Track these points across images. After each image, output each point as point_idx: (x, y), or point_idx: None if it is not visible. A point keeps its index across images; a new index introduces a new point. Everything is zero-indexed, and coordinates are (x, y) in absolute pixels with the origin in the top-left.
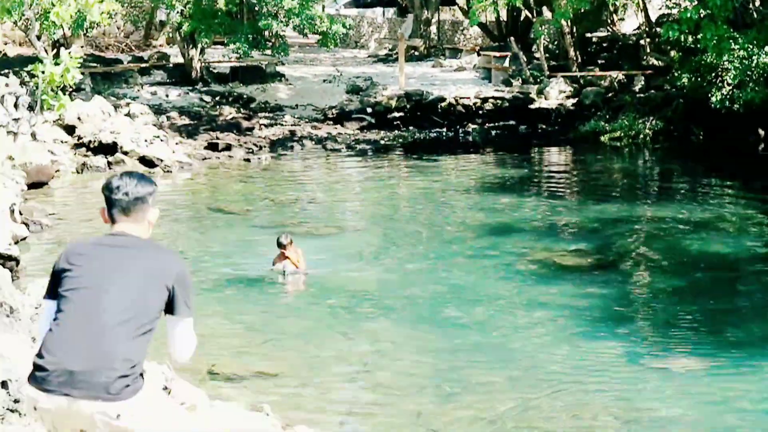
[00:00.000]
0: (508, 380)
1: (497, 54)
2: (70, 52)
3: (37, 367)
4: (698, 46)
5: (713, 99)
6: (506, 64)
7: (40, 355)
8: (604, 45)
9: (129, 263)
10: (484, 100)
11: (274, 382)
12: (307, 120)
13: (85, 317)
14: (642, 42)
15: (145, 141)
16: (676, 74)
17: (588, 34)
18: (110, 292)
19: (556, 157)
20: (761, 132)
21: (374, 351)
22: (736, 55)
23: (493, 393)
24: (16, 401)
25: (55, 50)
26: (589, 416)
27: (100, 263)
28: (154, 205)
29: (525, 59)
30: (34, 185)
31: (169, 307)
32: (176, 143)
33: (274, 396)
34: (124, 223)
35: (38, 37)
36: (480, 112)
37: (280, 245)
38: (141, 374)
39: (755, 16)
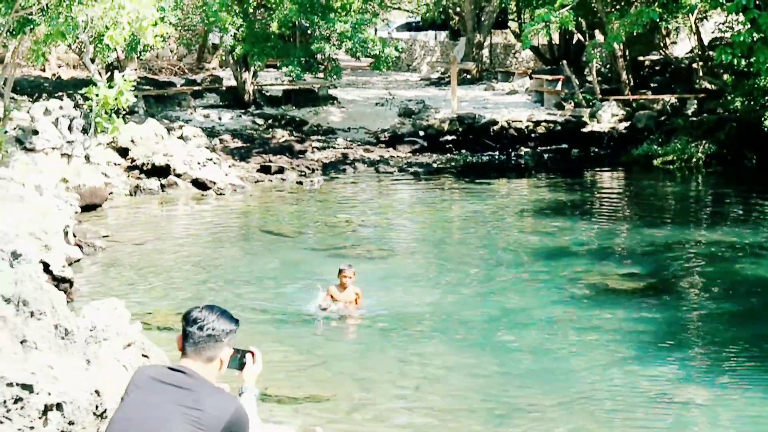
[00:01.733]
0: (560, 405)
1: (549, 77)
2: (123, 75)
3: None
4: (751, 69)
5: (766, 122)
6: (558, 87)
7: None
8: (657, 68)
9: (176, 407)
10: (537, 123)
11: (327, 405)
12: (359, 143)
13: None
14: (695, 65)
15: (198, 164)
16: (729, 98)
17: (640, 58)
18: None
19: (609, 181)
20: None
21: (426, 374)
22: None
23: (545, 418)
24: (70, 423)
25: (108, 73)
26: None
27: (147, 399)
28: (230, 345)
29: (577, 82)
30: (87, 207)
31: None
32: (229, 166)
33: (327, 419)
34: (191, 359)
35: (92, 60)
36: (532, 135)
37: (341, 272)
38: None
39: None
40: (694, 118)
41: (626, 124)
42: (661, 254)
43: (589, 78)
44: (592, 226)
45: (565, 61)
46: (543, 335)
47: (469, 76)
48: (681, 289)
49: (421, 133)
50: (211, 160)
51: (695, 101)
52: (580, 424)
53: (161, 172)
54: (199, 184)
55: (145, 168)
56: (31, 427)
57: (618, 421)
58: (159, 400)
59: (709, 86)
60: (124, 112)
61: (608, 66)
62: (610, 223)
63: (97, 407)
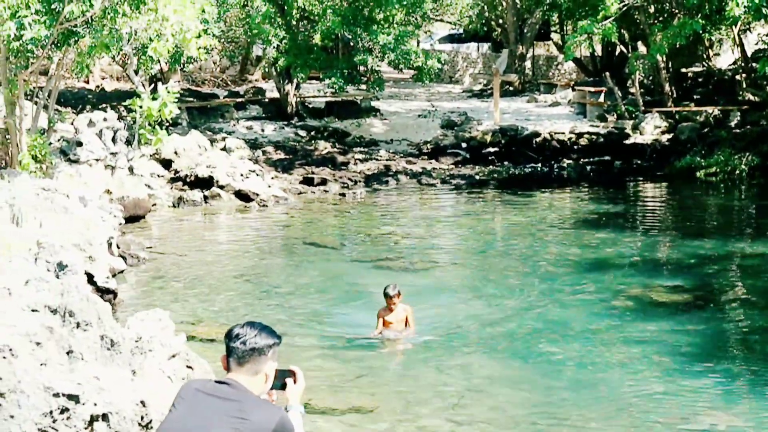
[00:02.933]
0: (603, 418)
1: (592, 89)
2: (167, 87)
3: None
4: None
5: None
6: (601, 99)
7: None
8: (700, 80)
9: (221, 417)
10: (579, 135)
11: (370, 417)
12: (401, 155)
13: None
14: (738, 77)
15: (241, 175)
16: None
17: (683, 69)
18: None
19: (652, 193)
20: None
21: (469, 386)
22: None
23: (587, 430)
24: None
25: (152, 85)
26: None
27: (192, 410)
28: (274, 359)
29: (620, 94)
30: (131, 219)
31: None
32: (272, 177)
33: (371, 431)
34: (236, 374)
35: (136, 72)
36: (575, 147)
37: (387, 296)
38: None
39: None
40: (738, 130)
41: (669, 135)
42: (704, 267)
43: (632, 90)
44: (634, 239)
45: (607, 73)
46: (585, 348)
47: (511, 88)
48: (725, 303)
49: (464, 144)
50: (254, 171)
51: (738, 113)
52: None
53: (204, 183)
54: (242, 196)
55: (188, 179)
56: None
57: None
58: (205, 412)
59: (752, 98)
60: (167, 124)
61: (651, 78)
62: (653, 235)
63: (142, 418)
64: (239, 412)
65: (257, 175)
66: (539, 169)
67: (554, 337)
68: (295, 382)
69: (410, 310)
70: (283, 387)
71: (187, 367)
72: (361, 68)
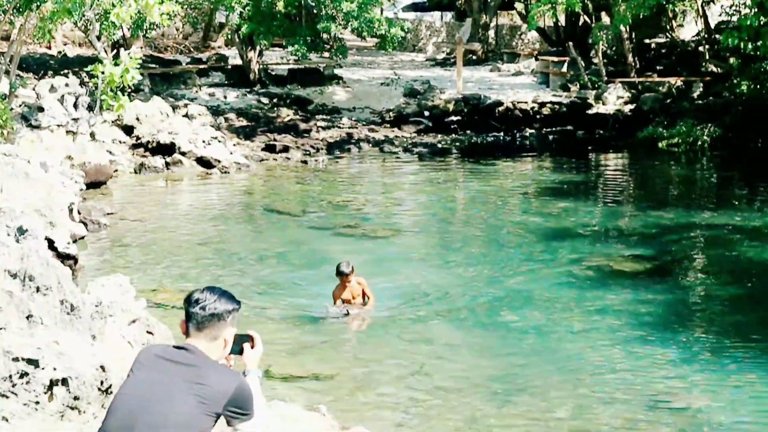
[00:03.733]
0: (563, 384)
1: (555, 59)
2: (129, 53)
3: None
4: (758, 53)
5: None
6: (564, 69)
7: None
8: (663, 51)
9: (180, 382)
10: (542, 104)
11: (330, 384)
12: (364, 123)
13: (122, 426)
14: (701, 48)
15: (203, 142)
16: (735, 81)
17: (647, 40)
18: (149, 407)
19: (614, 163)
20: None
21: (430, 354)
22: None
23: (549, 397)
24: (76, 398)
25: (114, 51)
26: (644, 423)
27: (152, 375)
28: (233, 324)
29: (583, 64)
30: (92, 185)
31: (227, 422)
32: (234, 144)
33: (330, 397)
34: (195, 339)
35: (98, 38)
36: (537, 116)
37: (340, 274)
38: None
39: None
40: (700, 102)
41: (632, 106)
42: (665, 237)
43: (595, 60)
44: (596, 208)
45: (571, 43)
46: (547, 316)
47: (474, 57)
48: (685, 272)
49: (426, 113)
50: (216, 138)
51: (701, 84)
52: (583, 404)
53: (166, 150)
54: (204, 163)
55: (150, 146)
56: (37, 402)
57: (620, 401)
58: (163, 377)
59: (715, 69)
60: (129, 90)
61: (614, 48)
62: (615, 205)
63: (102, 383)
64: (197, 377)
65: (219, 141)
66: (502, 138)
67: (515, 305)
68: (252, 347)
69: (365, 283)
70: (241, 352)
71: (148, 332)
72: (325, 36)
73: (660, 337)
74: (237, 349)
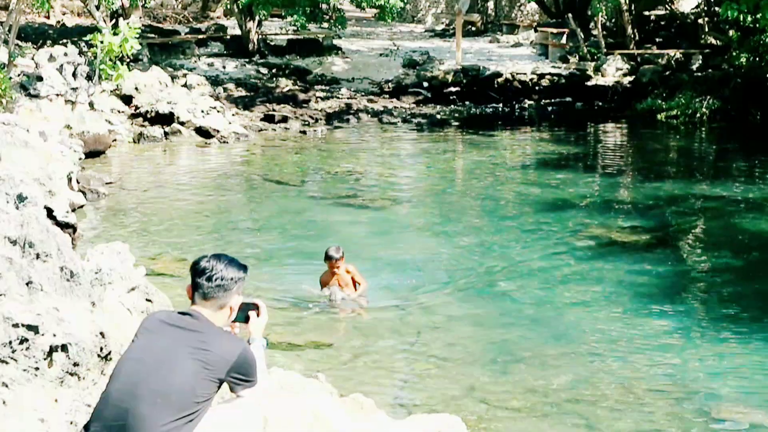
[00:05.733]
0: (561, 354)
1: (554, 30)
2: (128, 23)
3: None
4: (757, 25)
5: None
6: (563, 40)
7: (90, 419)
8: (662, 23)
9: (183, 348)
10: (541, 76)
11: (328, 352)
12: (363, 93)
13: (125, 390)
14: (700, 21)
15: (202, 112)
16: (734, 54)
17: (646, 12)
18: (153, 372)
19: (612, 135)
20: None
21: (427, 323)
22: None
23: (546, 367)
24: (75, 364)
25: (113, 21)
26: (641, 391)
27: (156, 341)
28: (239, 292)
29: (582, 36)
30: (91, 154)
31: (230, 388)
32: (233, 114)
33: (328, 365)
34: (201, 307)
35: (97, 7)
36: (536, 88)
37: (329, 259)
38: None
39: None
40: (699, 74)
41: (631, 78)
42: (663, 208)
43: (594, 32)
44: (594, 179)
45: (570, 15)
46: (545, 286)
47: (473, 28)
48: (683, 243)
49: (425, 84)
50: (214, 108)
51: (700, 57)
52: (580, 374)
53: (165, 119)
54: (203, 132)
55: (148, 115)
56: (36, 368)
57: (617, 372)
58: (167, 342)
59: (714, 42)
60: (128, 60)
61: (613, 20)
62: (613, 176)
63: (101, 349)
64: (201, 343)
65: (218, 111)
66: (500, 109)
67: (513, 275)
68: (258, 315)
69: (354, 270)
70: (247, 320)
71: (147, 300)
72: (324, 6)
73: (658, 308)
74: (242, 317)
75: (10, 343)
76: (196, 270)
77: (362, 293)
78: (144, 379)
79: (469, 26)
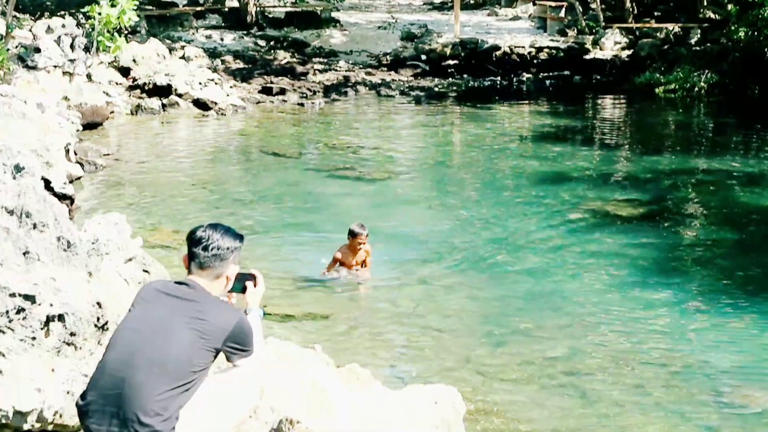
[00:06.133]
0: (558, 327)
1: (553, 4)
2: None
3: (82, 402)
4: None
5: None
6: (562, 14)
7: (87, 388)
8: None
9: (180, 317)
10: (539, 49)
11: (325, 324)
12: (361, 66)
13: (122, 360)
14: None
15: (200, 84)
16: (732, 28)
17: None
18: (149, 342)
19: (610, 108)
20: None
21: (425, 295)
22: None
23: (542, 339)
24: (72, 334)
25: None
26: (637, 363)
27: (152, 310)
28: (236, 262)
29: (581, 9)
30: (88, 126)
31: (227, 357)
32: (230, 86)
33: (325, 336)
34: (197, 276)
35: None
36: (534, 61)
37: (354, 235)
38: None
39: None
40: (698, 48)
41: (629, 52)
42: (661, 182)
43: (593, 5)
44: (592, 153)
45: None
46: (542, 259)
47: (472, 1)
48: (680, 217)
49: (423, 57)
50: (212, 80)
51: (699, 30)
52: (576, 346)
53: (163, 91)
54: (201, 105)
55: (146, 87)
56: (33, 338)
57: (614, 343)
58: (164, 312)
59: (713, 16)
60: (126, 32)
61: None
62: (611, 149)
63: (98, 319)
64: (198, 312)
65: (216, 83)
66: (499, 82)
67: (510, 248)
68: (255, 285)
69: (370, 251)
70: (244, 290)
71: (144, 270)
72: None
73: (655, 281)
74: (239, 288)
75: (7, 312)
76: (193, 239)
77: (368, 273)
78: (140, 348)
79: None
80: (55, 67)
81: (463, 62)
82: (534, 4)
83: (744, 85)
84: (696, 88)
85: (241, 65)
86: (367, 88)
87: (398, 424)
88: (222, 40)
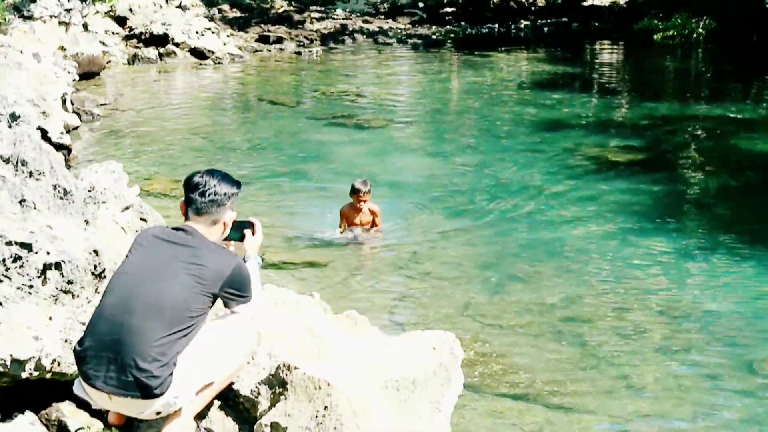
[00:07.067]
0: (556, 274)
1: None
2: None
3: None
4: None
5: None
6: None
7: (84, 334)
8: None
9: (177, 263)
10: None
11: (324, 271)
12: (358, 14)
13: (119, 305)
14: None
15: (197, 33)
16: None
17: None
18: (147, 287)
19: (608, 55)
20: None
21: (423, 242)
22: None
23: (541, 286)
24: (69, 282)
25: None
26: (635, 308)
27: (151, 255)
28: (233, 208)
29: None
30: (85, 75)
31: (225, 304)
32: (227, 35)
33: (323, 284)
34: (194, 222)
35: None
36: (532, 8)
37: (355, 192)
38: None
39: None
40: None
41: None
42: (659, 128)
43: None
44: (591, 100)
45: None
46: (540, 206)
47: None
48: (679, 163)
49: (421, 4)
50: (209, 29)
51: None
52: (575, 294)
53: (159, 41)
54: (198, 54)
55: (143, 37)
56: (30, 286)
57: (612, 290)
58: (161, 257)
59: None
60: None
61: None
62: (609, 96)
63: (95, 267)
64: (195, 257)
65: (213, 32)
66: (496, 29)
67: (509, 195)
68: (253, 233)
69: (378, 210)
70: (242, 238)
71: (141, 219)
72: None
73: (653, 227)
74: (237, 236)
75: (4, 261)
76: (190, 185)
77: (379, 233)
78: (138, 293)
79: None
80: (51, 17)
81: (460, 9)
82: None
83: (742, 31)
84: (694, 35)
85: (238, 14)
86: (365, 36)
87: (396, 370)
88: None
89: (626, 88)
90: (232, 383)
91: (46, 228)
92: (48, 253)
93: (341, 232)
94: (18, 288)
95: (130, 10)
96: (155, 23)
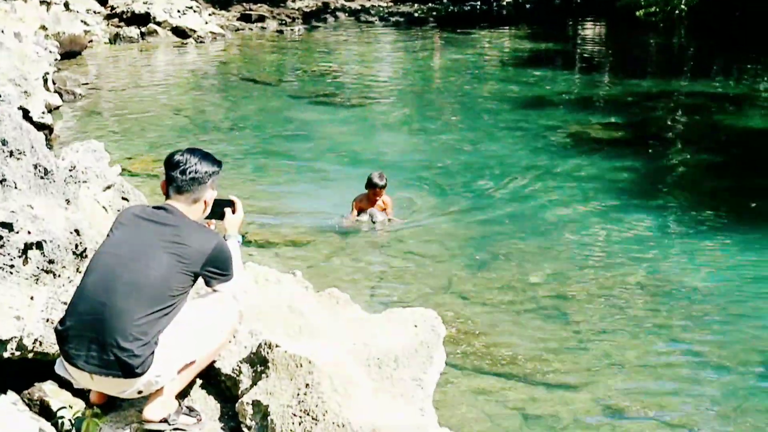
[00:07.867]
0: (540, 250)
1: None
2: None
3: (60, 328)
4: None
5: None
6: None
7: (65, 314)
8: None
9: (158, 241)
10: None
11: (306, 250)
12: None
13: (100, 284)
14: None
15: (178, 12)
16: None
17: None
18: (128, 266)
19: (591, 31)
20: None
21: (405, 220)
22: None
23: (524, 263)
24: (50, 262)
25: None
26: (618, 285)
27: (131, 234)
28: (214, 187)
29: None
30: (67, 55)
31: (206, 282)
32: (209, 14)
33: (306, 263)
34: (175, 201)
35: None
36: None
37: (372, 186)
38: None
39: None
40: None
41: None
42: (642, 105)
43: None
44: (573, 77)
45: None
46: (523, 184)
47: None
48: (663, 140)
49: None
50: (191, 8)
51: None
52: (558, 271)
53: (141, 20)
54: (179, 32)
55: (124, 16)
56: (12, 266)
57: (595, 267)
58: (142, 236)
59: None
60: None
61: None
62: (592, 73)
63: (76, 246)
64: (176, 236)
65: (194, 11)
66: (478, 7)
67: (491, 172)
68: (234, 212)
69: (390, 203)
70: (222, 217)
71: (123, 198)
72: None
73: (636, 204)
74: (218, 214)
75: None
76: (170, 163)
77: (395, 221)
78: (119, 272)
79: None
80: None
81: None
82: None
83: (726, 6)
84: (677, 11)
85: None
86: (347, 14)
87: (377, 347)
88: None
89: (608, 65)
90: (214, 362)
91: (27, 207)
92: (29, 232)
93: (355, 220)
94: None
95: None
96: (137, 2)
